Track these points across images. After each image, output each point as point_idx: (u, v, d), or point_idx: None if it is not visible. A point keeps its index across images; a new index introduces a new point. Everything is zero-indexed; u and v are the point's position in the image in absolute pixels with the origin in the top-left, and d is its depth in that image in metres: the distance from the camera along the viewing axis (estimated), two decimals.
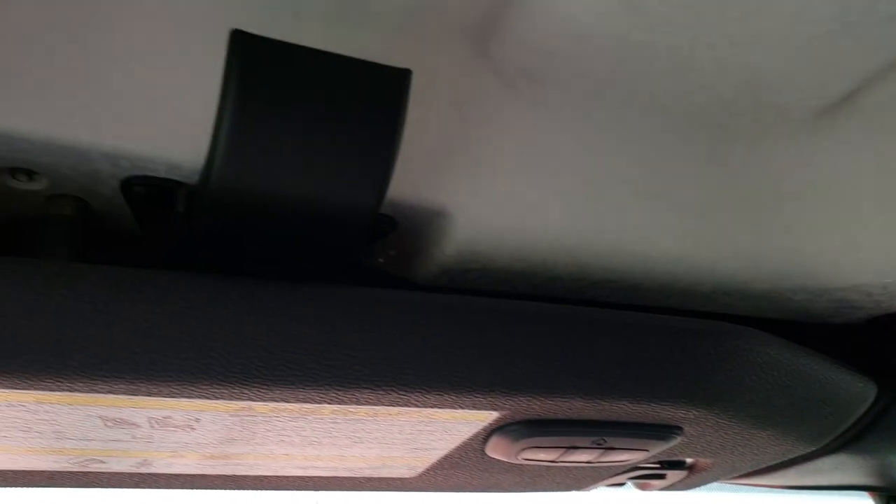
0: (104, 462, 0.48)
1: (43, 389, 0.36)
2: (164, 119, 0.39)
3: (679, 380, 0.47)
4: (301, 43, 0.37)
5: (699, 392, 0.47)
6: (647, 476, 0.63)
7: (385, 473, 0.55)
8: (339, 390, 0.40)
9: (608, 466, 0.57)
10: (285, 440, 0.46)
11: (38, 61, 0.37)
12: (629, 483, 0.67)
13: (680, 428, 0.51)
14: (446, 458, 0.52)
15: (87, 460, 0.47)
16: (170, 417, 0.41)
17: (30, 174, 0.41)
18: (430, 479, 0.57)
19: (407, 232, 0.47)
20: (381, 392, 0.41)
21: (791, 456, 0.61)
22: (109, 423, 0.41)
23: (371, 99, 0.37)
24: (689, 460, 0.62)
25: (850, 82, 0.47)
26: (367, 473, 0.54)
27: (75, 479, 0.51)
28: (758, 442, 0.56)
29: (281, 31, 0.39)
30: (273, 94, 0.35)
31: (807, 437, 0.57)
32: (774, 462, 0.63)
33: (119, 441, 0.44)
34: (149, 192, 0.41)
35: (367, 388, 0.41)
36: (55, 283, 0.36)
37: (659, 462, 0.62)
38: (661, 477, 0.63)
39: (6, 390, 0.36)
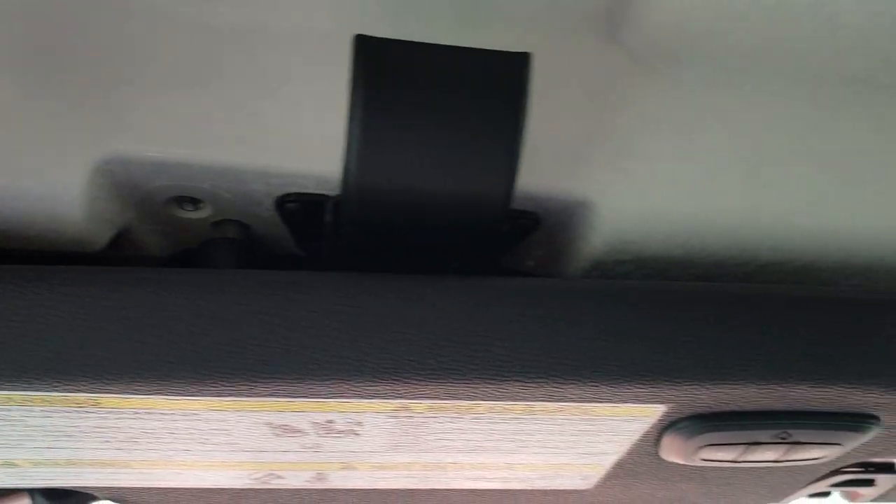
0: (282, 477, 0.49)
1: (210, 395, 0.39)
2: (309, 135, 0.41)
3: (864, 358, 0.43)
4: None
5: (890, 372, 0.43)
6: (853, 482, 0.58)
7: (559, 485, 0.53)
8: (490, 384, 0.40)
9: (802, 468, 0.53)
10: (448, 445, 0.46)
11: (192, 93, 0.40)
12: (835, 493, 0.61)
13: (876, 417, 0.46)
14: (620, 464, 0.50)
15: (266, 475, 0.49)
16: (332, 422, 0.42)
17: (195, 202, 0.44)
18: (609, 491, 0.55)
19: (552, 228, 0.46)
20: (533, 385, 0.40)
21: None
22: (277, 431, 0.43)
23: (493, 86, 0.37)
24: None
25: None
26: (541, 485, 0.53)
27: (260, 498, 0.53)
28: None
29: (414, 36, 0.40)
30: (398, 91, 0.36)
31: None
32: None
33: (289, 451, 0.46)
34: (301, 207, 0.44)
35: (518, 380, 0.40)
36: (209, 290, 0.38)
37: (864, 465, 0.56)
38: (870, 483, 0.58)
39: (177, 398, 0.39)
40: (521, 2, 0.43)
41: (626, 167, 0.44)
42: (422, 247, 0.41)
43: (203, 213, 0.45)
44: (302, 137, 0.41)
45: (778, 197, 0.45)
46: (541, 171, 0.43)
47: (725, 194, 0.45)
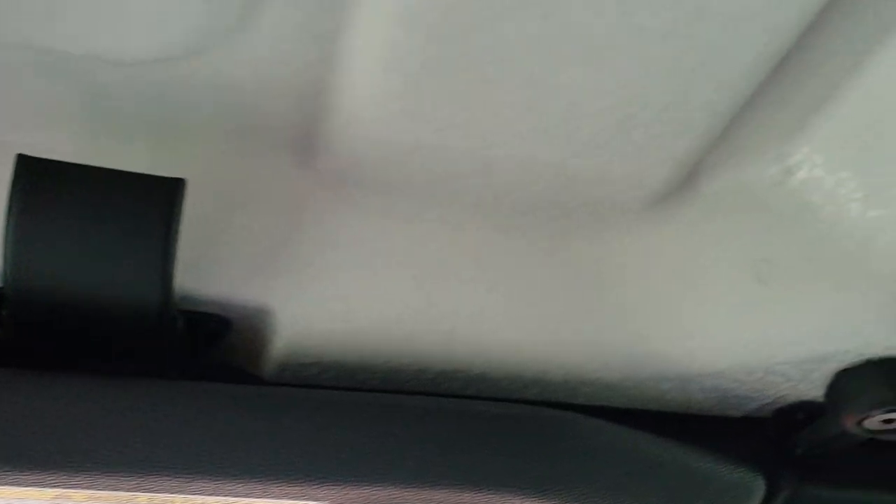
0: None
1: None
2: None
3: (499, 467, 0.47)
4: (132, 166, 0.42)
5: (524, 480, 0.47)
6: None
7: None
8: (140, 478, 0.43)
9: None
10: None
11: None
12: None
13: None
14: None
15: None
16: None
17: None
18: None
19: (244, 331, 0.50)
20: (181, 479, 0.43)
21: None
22: None
23: (146, 206, 0.41)
24: None
25: (669, 171, 0.48)
26: None
27: None
28: None
29: (114, 159, 0.44)
30: (51, 206, 0.40)
31: None
32: None
33: None
34: None
35: (166, 475, 0.43)
36: None
37: None
38: None
39: None
40: (215, 131, 0.47)
41: (303, 280, 0.48)
42: (89, 347, 0.44)
43: None
44: None
45: (445, 313, 0.50)
46: (226, 280, 0.47)
47: (396, 309, 0.49)
